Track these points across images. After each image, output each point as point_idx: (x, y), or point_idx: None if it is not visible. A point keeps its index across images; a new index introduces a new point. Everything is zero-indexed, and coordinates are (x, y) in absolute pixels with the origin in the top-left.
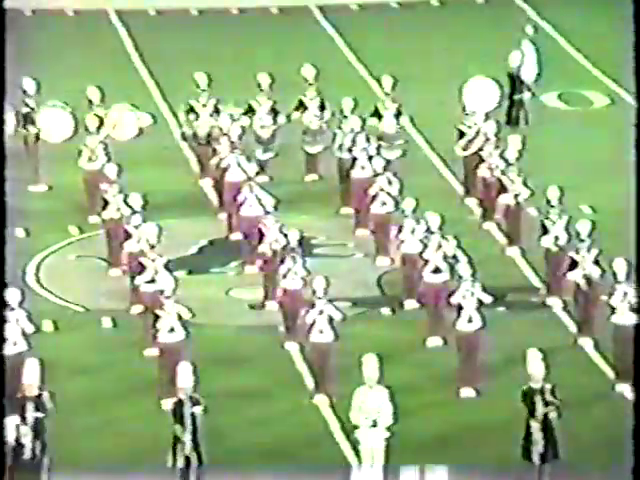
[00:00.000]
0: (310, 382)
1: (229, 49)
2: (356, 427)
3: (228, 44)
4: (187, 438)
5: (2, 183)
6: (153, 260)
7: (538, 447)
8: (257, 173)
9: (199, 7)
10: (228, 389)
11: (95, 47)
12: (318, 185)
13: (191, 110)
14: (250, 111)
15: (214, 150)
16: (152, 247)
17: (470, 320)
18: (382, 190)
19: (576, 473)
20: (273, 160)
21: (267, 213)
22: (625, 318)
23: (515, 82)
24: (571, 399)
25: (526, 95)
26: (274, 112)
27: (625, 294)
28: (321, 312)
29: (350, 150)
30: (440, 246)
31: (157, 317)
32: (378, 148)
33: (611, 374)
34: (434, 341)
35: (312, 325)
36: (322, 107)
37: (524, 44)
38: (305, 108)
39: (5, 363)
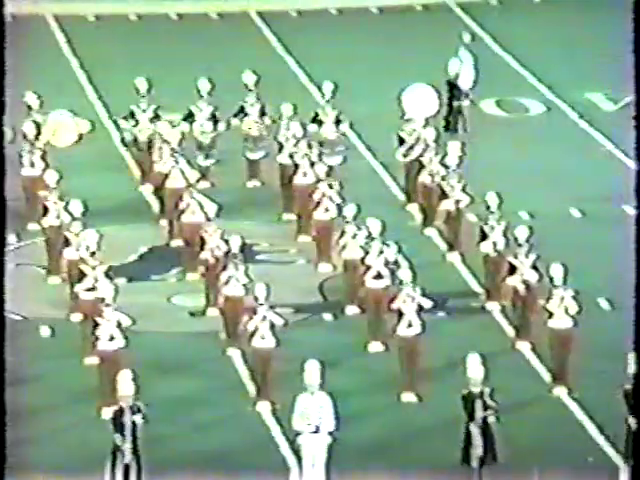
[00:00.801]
0: (252, 388)
1: (169, 54)
2: (298, 433)
3: (168, 49)
4: (127, 447)
5: (2, 185)
6: (93, 267)
7: (477, 451)
8: (198, 179)
9: (138, 12)
10: (170, 396)
11: (33, 53)
12: (260, 191)
13: (131, 116)
14: (190, 117)
15: (154, 156)
16: (92, 254)
17: (410, 325)
18: (325, 196)
19: (514, 476)
20: (214, 166)
21: (208, 220)
22: (561, 322)
23: (453, 89)
24: (509, 402)
25: (465, 102)
26: (214, 118)
27: (562, 299)
28: (263, 318)
29: (292, 156)
30: (381, 252)
31: (97, 325)
32: (320, 154)
33: (548, 377)
34: (375, 346)
35: (254, 331)
36: (263, 113)
37: (462, 51)
38: (245, 114)
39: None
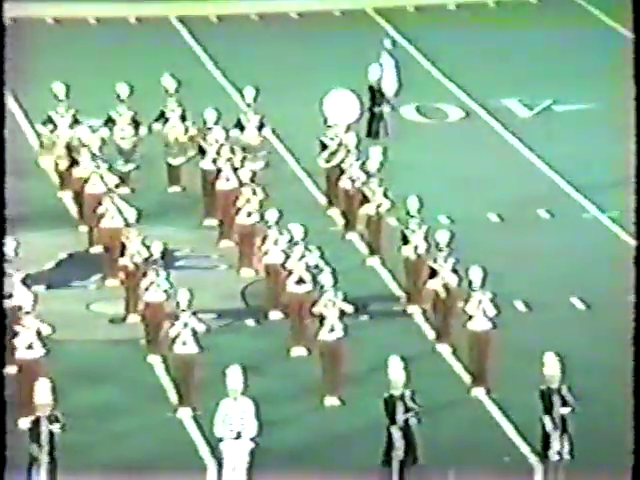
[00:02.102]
0: (173, 395)
1: (87, 59)
2: (220, 439)
3: (86, 54)
4: (44, 458)
5: (2, 189)
6: (10, 275)
7: (398, 452)
8: (118, 185)
9: (55, 16)
10: (90, 404)
11: None
12: (181, 197)
13: (49, 121)
14: (110, 122)
15: (74, 161)
16: (9, 261)
17: (332, 329)
18: (248, 201)
19: (434, 477)
20: (135, 171)
21: (128, 225)
22: (480, 324)
23: (375, 95)
24: (430, 404)
25: (386, 108)
26: (135, 123)
27: (480, 301)
28: (185, 325)
29: (214, 161)
30: (303, 256)
31: (15, 333)
32: (243, 159)
33: (467, 379)
34: (298, 351)
35: (176, 337)
36: (183, 118)
37: (383, 57)
38: (166, 119)
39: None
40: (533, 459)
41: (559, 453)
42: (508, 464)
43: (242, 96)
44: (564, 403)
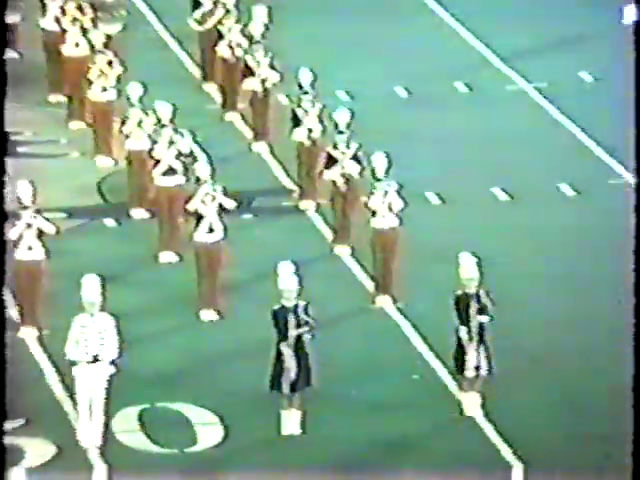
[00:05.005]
0: (15, 312)
1: None
2: (73, 363)
3: None
4: None
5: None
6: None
7: (290, 375)
8: None
9: None
10: None
11: None
12: (19, 65)
13: None
14: None
15: None
16: None
17: (211, 230)
18: (102, 73)
19: (331, 398)
20: None
21: None
22: (385, 221)
23: None
24: (327, 317)
25: None
26: None
27: (385, 193)
28: (28, 225)
29: (58, 21)
30: (173, 142)
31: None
32: (94, 20)
33: (370, 286)
34: (167, 256)
35: (18, 241)
36: None
37: None
38: None
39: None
40: (445, 375)
41: (476, 368)
42: (418, 382)
43: None
44: (481, 311)
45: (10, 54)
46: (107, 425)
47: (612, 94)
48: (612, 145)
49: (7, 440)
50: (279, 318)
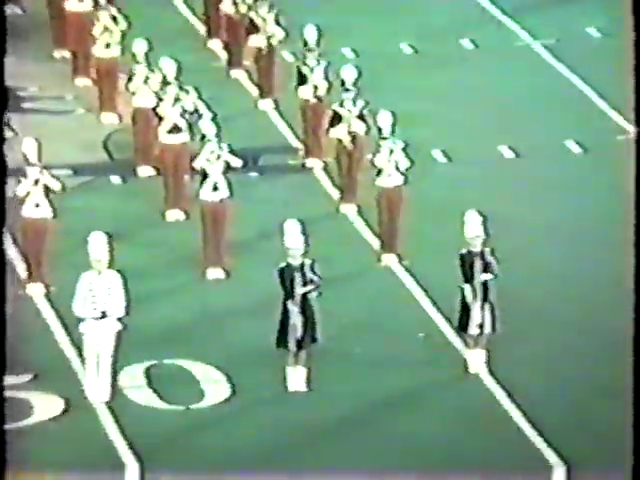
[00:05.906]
0: (22, 270)
1: None
2: (80, 320)
3: None
4: None
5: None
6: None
7: (296, 333)
8: None
9: None
10: None
11: None
12: (22, 20)
13: None
14: None
15: None
16: None
17: (216, 188)
18: (106, 29)
19: (336, 357)
20: None
21: None
22: (391, 180)
23: None
24: (333, 275)
25: None
26: None
27: (391, 152)
28: (36, 182)
29: None
30: (178, 99)
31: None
32: None
33: (376, 244)
34: (174, 214)
35: (24, 198)
36: None
37: None
38: None
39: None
40: (450, 333)
41: (480, 326)
42: (423, 340)
43: None
44: (485, 269)
45: (14, 9)
46: (114, 381)
47: (620, 50)
48: (619, 102)
49: (15, 394)
50: (285, 276)
